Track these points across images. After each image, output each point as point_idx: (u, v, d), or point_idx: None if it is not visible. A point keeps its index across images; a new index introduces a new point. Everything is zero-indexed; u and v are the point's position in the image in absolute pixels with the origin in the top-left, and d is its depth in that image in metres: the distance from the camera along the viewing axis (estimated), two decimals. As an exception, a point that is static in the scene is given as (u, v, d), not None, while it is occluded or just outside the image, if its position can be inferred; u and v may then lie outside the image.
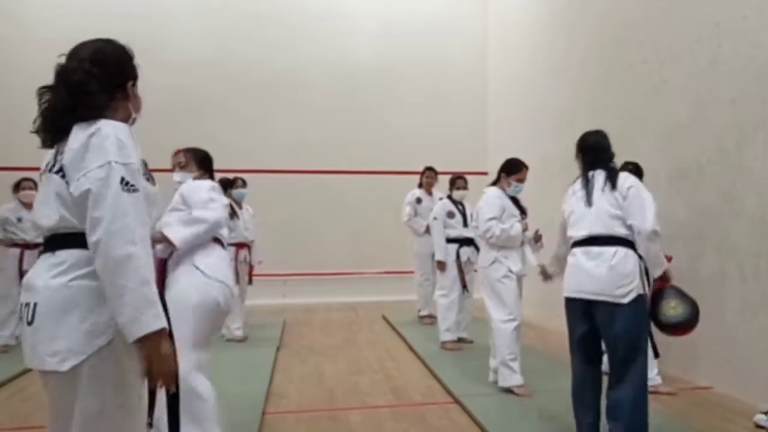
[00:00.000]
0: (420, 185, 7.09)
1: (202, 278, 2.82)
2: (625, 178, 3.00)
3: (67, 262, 1.60)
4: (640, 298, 2.86)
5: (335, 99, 9.17)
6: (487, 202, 4.34)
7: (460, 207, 5.89)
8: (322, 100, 9.11)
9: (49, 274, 1.61)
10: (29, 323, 1.60)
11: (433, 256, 6.42)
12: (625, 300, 2.82)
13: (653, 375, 4.01)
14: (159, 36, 8.73)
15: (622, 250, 2.90)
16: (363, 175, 9.04)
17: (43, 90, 1.69)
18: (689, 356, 4.46)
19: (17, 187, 5.87)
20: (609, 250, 2.90)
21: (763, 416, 3.48)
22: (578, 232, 3.02)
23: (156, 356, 1.56)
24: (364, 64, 9.26)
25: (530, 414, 3.71)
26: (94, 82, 1.66)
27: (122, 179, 1.56)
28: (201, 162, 3.27)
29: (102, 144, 1.58)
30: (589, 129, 3.26)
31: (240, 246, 5.99)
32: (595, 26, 6.18)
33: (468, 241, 5.72)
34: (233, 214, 5.32)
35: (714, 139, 4.35)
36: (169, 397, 1.74)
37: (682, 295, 2.97)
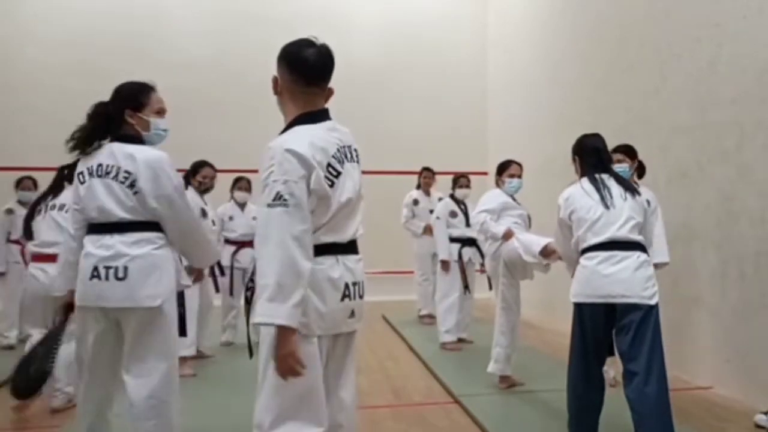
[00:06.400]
0: (418, 186, 7.08)
1: None
2: (644, 192, 3.12)
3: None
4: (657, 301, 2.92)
5: (335, 99, 9.01)
6: (486, 197, 4.49)
7: (462, 207, 5.87)
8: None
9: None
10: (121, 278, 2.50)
11: (433, 255, 6.40)
12: (653, 301, 2.84)
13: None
14: (159, 36, 8.73)
15: (642, 255, 2.93)
16: (362, 174, 9.02)
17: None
18: (689, 356, 4.46)
19: (18, 184, 5.88)
20: (633, 254, 2.90)
21: (763, 416, 3.48)
22: (596, 237, 2.94)
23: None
24: (364, 64, 9.24)
25: (530, 414, 3.71)
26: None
27: None
28: None
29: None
30: (590, 129, 3.25)
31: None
32: (595, 26, 6.17)
33: (470, 242, 5.70)
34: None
35: (714, 139, 4.35)
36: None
37: None
